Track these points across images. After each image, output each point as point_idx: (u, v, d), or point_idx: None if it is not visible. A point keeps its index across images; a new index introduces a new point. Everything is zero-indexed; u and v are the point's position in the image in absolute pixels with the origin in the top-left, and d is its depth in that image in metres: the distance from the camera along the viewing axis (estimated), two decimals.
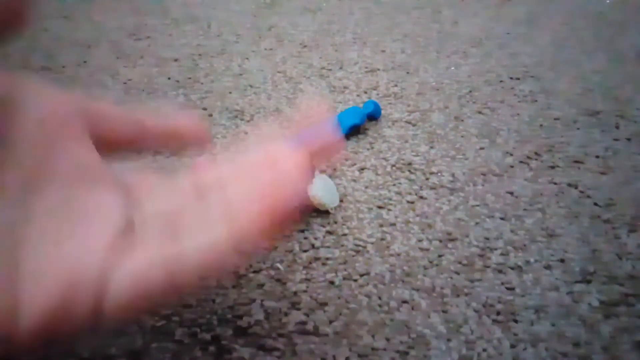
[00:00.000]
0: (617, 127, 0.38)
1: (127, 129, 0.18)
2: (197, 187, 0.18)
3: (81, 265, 0.13)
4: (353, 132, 0.37)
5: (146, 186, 0.18)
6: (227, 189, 0.17)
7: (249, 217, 0.14)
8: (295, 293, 0.24)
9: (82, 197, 0.15)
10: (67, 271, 0.13)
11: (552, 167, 0.34)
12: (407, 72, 0.47)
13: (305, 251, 0.26)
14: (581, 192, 0.31)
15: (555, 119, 0.40)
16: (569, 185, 0.32)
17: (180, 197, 0.17)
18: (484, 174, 0.33)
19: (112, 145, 0.17)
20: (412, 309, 0.23)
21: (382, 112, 0.40)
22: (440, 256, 0.26)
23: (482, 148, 0.36)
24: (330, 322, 0.22)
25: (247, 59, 0.50)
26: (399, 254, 0.26)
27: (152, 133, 0.19)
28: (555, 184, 0.32)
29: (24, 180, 0.14)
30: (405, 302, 0.24)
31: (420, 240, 0.27)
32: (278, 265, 0.25)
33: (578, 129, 0.38)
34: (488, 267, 0.26)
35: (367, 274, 0.25)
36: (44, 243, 0.13)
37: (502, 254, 0.26)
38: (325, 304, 0.23)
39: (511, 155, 0.35)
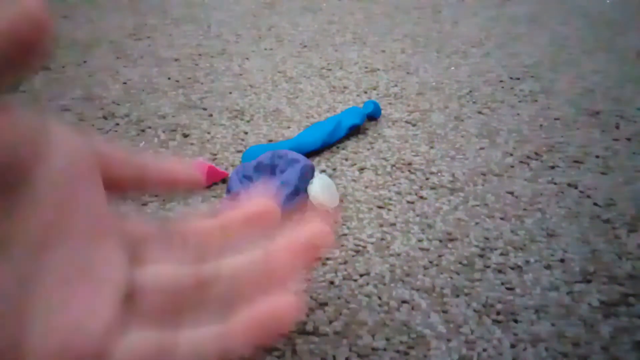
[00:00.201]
0: (617, 127, 0.38)
1: (129, 173, 0.18)
2: (198, 248, 0.18)
3: (83, 335, 0.14)
4: (353, 132, 0.37)
5: (149, 239, 0.18)
6: (224, 268, 0.17)
7: (243, 340, 0.15)
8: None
9: (92, 256, 0.15)
10: (69, 339, 0.14)
11: (552, 167, 0.34)
12: (407, 72, 0.47)
13: None
14: (581, 192, 0.31)
15: (555, 119, 0.40)
16: (569, 185, 0.32)
17: (181, 262, 0.17)
18: (484, 174, 0.33)
19: (113, 188, 0.18)
20: (412, 309, 0.23)
21: (382, 112, 0.40)
22: (440, 256, 0.26)
23: (482, 148, 0.36)
24: (330, 322, 0.22)
25: (247, 59, 0.50)
26: (399, 254, 0.26)
27: (151, 178, 0.19)
28: (555, 184, 0.32)
29: (41, 231, 0.14)
30: (405, 302, 0.24)
31: (420, 240, 0.27)
32: None
33: (578, 129, 0.38)
34: (488, 267, 0.26)
35: (367, 274, 0.25)
36: (51, 304, 0.14)
37: (502, 254, 0.26)
38: (325, 304, 0.23)
39: (511, 155, 0.35)
